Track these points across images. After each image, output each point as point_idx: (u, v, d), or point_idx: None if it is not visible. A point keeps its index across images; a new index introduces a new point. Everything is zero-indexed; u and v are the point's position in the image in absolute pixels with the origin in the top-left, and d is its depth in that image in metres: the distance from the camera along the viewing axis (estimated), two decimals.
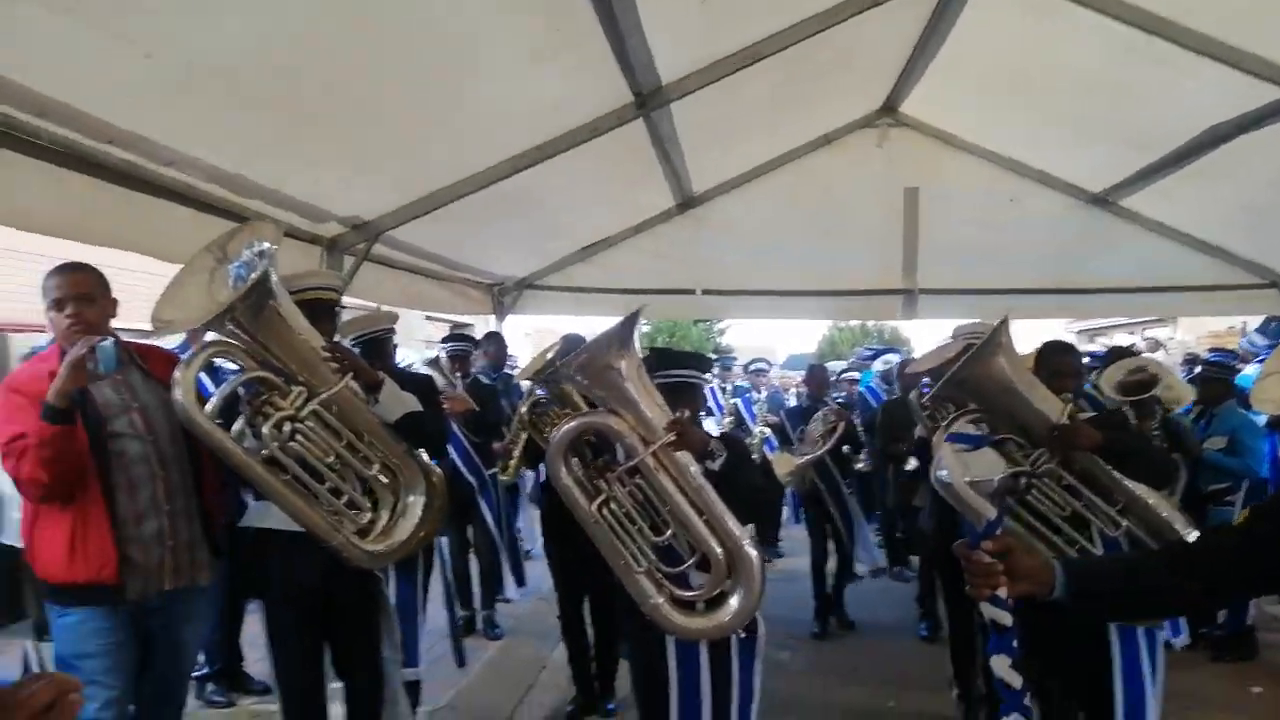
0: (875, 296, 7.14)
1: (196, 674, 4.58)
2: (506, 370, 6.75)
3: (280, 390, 2.83)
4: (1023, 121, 5.92)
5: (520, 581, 6.65)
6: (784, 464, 6.25)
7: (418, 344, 14.11)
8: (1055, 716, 3.30)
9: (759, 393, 8.69)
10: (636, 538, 2.84)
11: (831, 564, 6.39)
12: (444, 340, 5.98)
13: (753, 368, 9.25)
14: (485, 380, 6.07)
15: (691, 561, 2.84)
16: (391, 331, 4.32)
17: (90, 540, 2.67)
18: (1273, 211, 5.78)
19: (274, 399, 2.81)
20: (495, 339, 6.74)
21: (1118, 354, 5.74)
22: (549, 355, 4.59)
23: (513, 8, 3.38)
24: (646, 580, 2.82)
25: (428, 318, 17.25)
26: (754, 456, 7.70)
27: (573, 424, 2.97)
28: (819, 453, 6.06)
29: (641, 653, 3.05)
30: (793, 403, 8.51)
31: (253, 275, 2.65)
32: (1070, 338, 16.53)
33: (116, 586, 2.69)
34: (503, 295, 7.31)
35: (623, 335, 2.88)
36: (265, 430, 2.76)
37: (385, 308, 4.90)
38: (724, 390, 8.92)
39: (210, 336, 2.89)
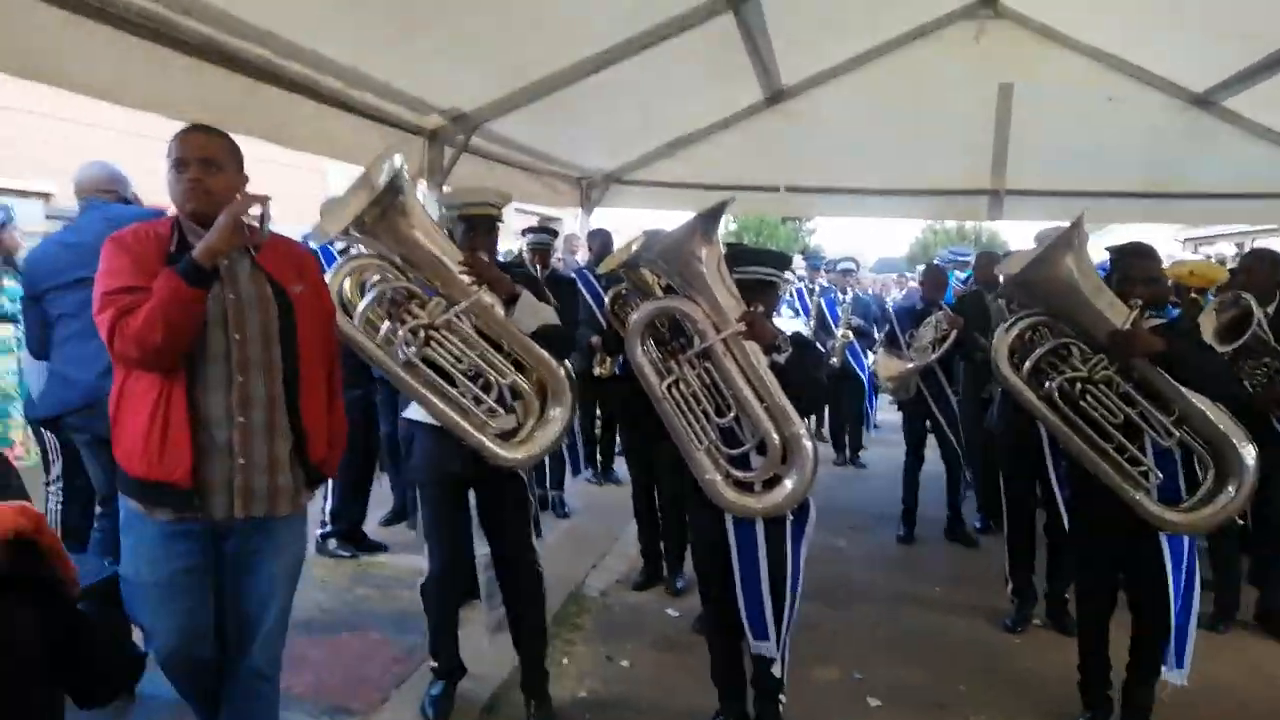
0: (961, 197, 7.15)
1: (320, 531, 5.19)
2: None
3: (421, 300, 3.05)
4: (1125, 14, 5.71)
5: (583, 467, 6.74)
6: (889, 368, 6.08)
7: (510, 234, 14.43)
8: (1093, 621, 3.50)
9: (845, 294, 8.48)
10: (700, 417, 3.05)
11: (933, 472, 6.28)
12: (524, 232, 6.14)
13: (840, 267, 8.95)
14: (563, 273, 6.27)
15: (751, 444, 3.04)
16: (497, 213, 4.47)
17: (170, 433, 2.36)
18: None
19: (413, 308, 3.03)
20: (600, 235, 6.89)
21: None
22: (633, 248, 4.78)
23: None
24: (705, 457, 3.04)
25: (517, 209, 17.65)
26: (834, 360, 7.82)
27: (651, 306, 3.16)
28: (928, 360, 5.78)
29: (704, 526, 3.24)
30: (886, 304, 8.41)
31: (380, 186, 2.82)
32: (1175, 246, 15.85)
33: (188, 493, 2.39)
34: (590, 189, 7.54)
35: (706, 225, 3.00)
36: (400, 335, 2.97)
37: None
38: (811, 291, 8.70)
39: (355, 250, 3.12)
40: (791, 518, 3.12)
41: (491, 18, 4.07)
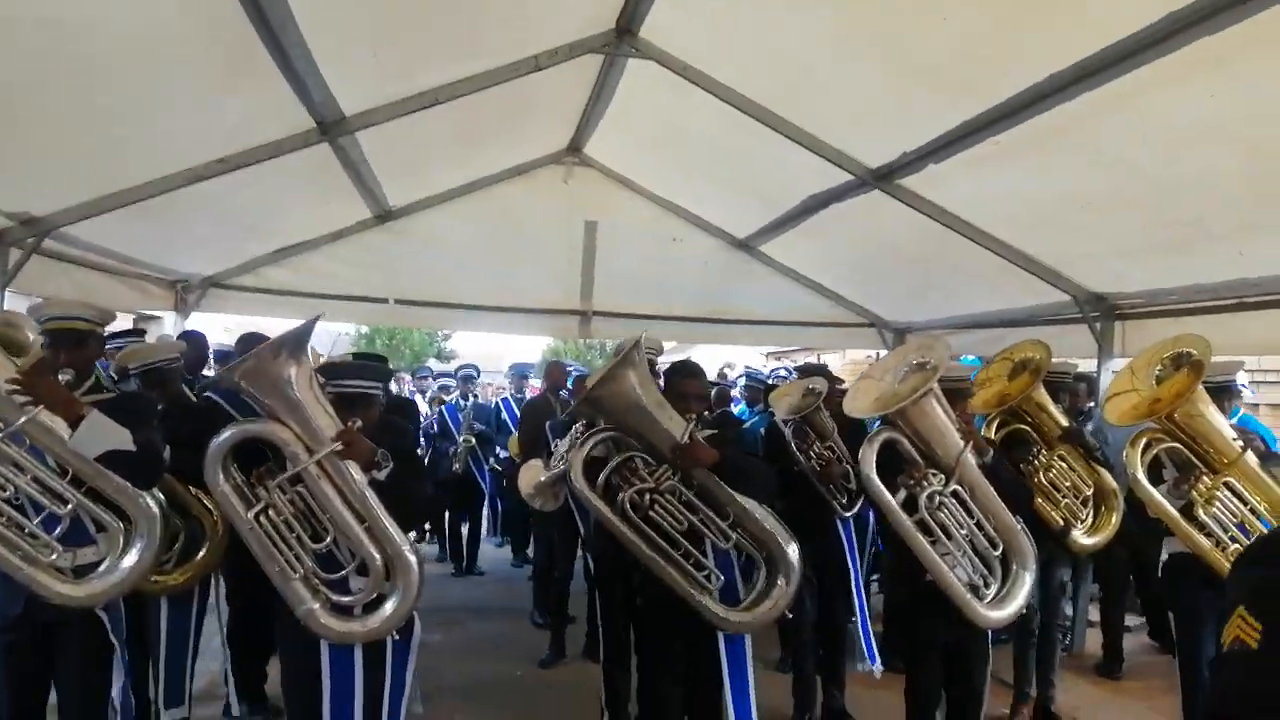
0: (557, 315, 7.94)
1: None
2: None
3: None
4: (679, 173, 6.93)
5: None
6: (531, 474, 5.69)
7: None
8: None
9: (466, 400, 8.66)
10: (294, 545, 2.85)
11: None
12: (111, 336, 5.33)
13: (461, 374, 9.05)
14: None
15: (351, 567, 2.89)
16: (176, 360, 4.14)
17: None
18: (864, 266, 7.25)
19: None
20: (191, 339, 5.88)
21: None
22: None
23: (194, 41, 3.61)
24: (302, 586, 2.84)
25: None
26: (456, 467, 8.02)
27: (230, 432, 2.86)
28: (565, 468, 5.06)
29: (295, 655, 3.01)
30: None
31: None
32: (759, 359, 18.24)
33: None
34: (187, 293, 7.23)
35: (294, 342, 2.83)
36: None
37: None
38: (464, 404, 8.63)
39: None
40: (395, 637, 3.01)
41: (72, 127, 3.93)
